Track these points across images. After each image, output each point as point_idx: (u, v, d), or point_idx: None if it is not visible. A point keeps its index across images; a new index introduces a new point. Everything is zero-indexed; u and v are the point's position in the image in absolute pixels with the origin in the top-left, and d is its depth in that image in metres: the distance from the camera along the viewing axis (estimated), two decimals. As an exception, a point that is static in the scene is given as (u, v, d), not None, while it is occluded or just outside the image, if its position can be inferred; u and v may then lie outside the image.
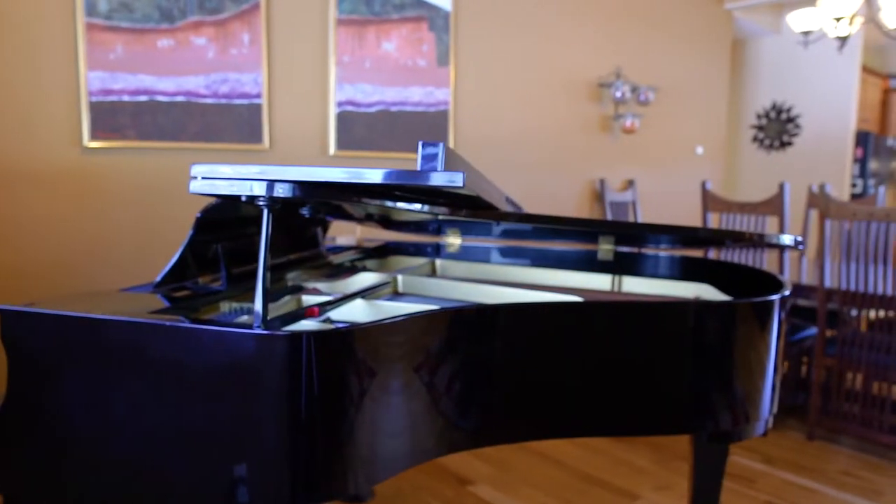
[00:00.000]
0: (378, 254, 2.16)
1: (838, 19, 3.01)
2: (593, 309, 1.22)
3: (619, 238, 1.80)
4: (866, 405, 2.65)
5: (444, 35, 3.17)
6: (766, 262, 3.03)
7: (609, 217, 4.07)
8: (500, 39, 3.51)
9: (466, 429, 1.13)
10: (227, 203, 1.32)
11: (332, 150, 2.86)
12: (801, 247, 1.44)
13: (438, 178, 0.82)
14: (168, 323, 0.99)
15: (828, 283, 2.71)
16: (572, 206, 4.04)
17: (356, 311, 1.40)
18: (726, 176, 5.96)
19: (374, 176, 0.85)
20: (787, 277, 2.85)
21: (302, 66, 2.76)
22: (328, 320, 1.41)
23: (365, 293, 1.48)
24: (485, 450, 2.61)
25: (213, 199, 1.33)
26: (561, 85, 3.88)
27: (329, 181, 0.88)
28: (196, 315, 1.23)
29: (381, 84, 2.97)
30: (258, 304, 1.01)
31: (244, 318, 1.28)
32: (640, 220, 4.34)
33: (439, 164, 0.89)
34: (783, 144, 5.68)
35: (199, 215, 1.30)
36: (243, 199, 0.95)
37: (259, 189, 0.98)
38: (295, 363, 0.99)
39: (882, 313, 2.58)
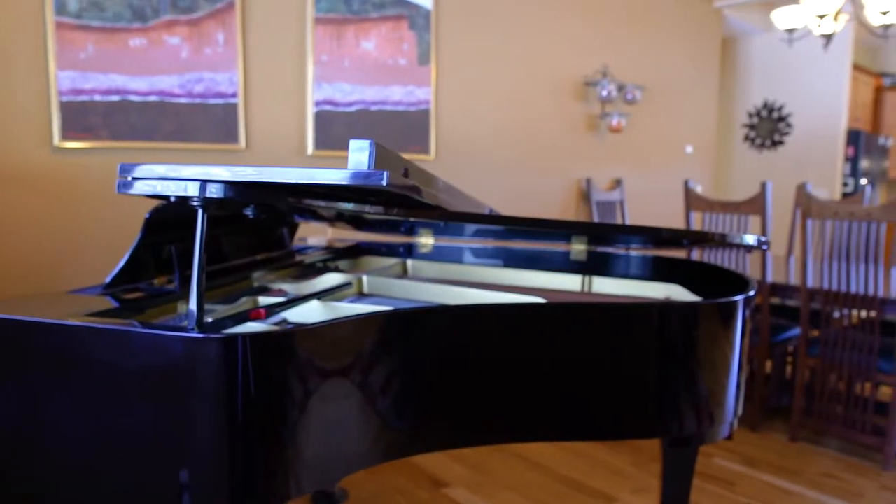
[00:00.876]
0: (350, 254, 2.14)
1: (822, 16, 2.99)
2: (542, 310, 1.19)
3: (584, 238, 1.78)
4: (849, 406, 2.62)
5: (425, 34, 3.14)
6: (749, 262, 3.00)
7: (595, 217, 4.05)
8: (483, 38, 3.49)
9: (412, 432, 1.11)
10: (178, 203, 1.30)
11: (310, 149, 2.84)
12: (764, 247, 1.41)
13: (363, 178, 0.80)
14: (97, 325, 0.96)
15: (810, 283, 2.68)
16: (558, 205, 4.01)
17: (312, 313, 1.38)
18: (717, 175, 5.94)
19: (294, 175, 0.83)
20: (769, 277, 2.83)
21: (279, 66, 2.74)
22: (284, 321, 1.39)
23: (321, 294, 1.46)
24: (462, 451, 2.59)
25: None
26: (546, 83, 3.86)
27: (252, 181, 0.86)
28: (142, 317, 1.21)
29: (361, 83, 2.95)
30: (192, 306, 0.98)
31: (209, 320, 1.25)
32: (628, 219, 4.32)
33: (369, 162, 0.86)
34: (774, 143, 5.65)
35: (147, 216, 1.28)
36: (173, 199, 0.93)
37: (193, 189, 0.96)
38: (230, 366, 0.96)
39: (864, 313, 2.55)
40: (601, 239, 1.78)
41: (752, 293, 1.42)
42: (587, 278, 1.83)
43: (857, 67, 5.56)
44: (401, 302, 1.59)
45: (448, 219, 1.18)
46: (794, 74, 5.52)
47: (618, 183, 4.32)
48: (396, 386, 1.08)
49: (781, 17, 3.22)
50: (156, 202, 1.32)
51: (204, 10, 2.50)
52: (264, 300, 1.43)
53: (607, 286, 1.82)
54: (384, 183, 0.78)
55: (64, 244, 2.31)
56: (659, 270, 1.87)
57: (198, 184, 0.94)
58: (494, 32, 3.54)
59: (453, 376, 1.12)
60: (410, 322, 1.08)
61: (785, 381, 3.17)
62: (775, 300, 3.22)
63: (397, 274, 2.01)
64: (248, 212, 1.11)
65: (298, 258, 1.96)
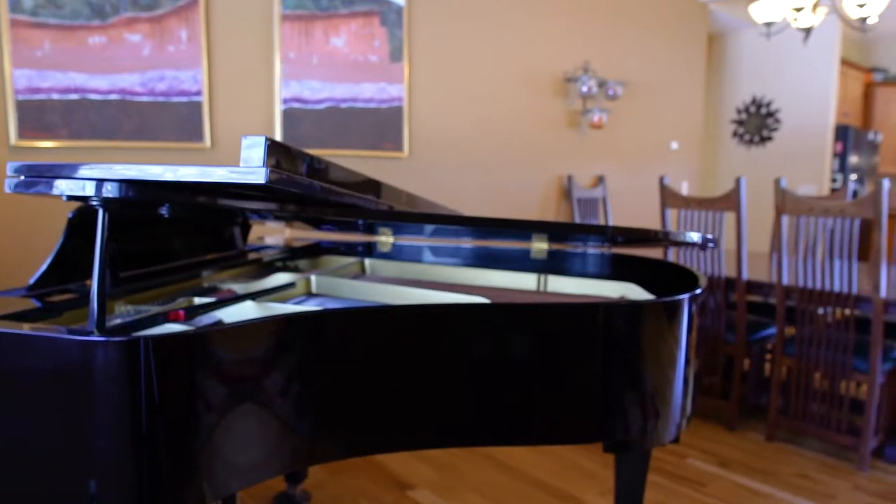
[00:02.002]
0: (309, 253, 2.11)
1: (798, 10, 2.94)
2: (467, 311, 1.16)
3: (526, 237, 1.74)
4: (824, 405, 2.58)
5: (398, 30, 3.10)
6: (725, 259, 2.96)
7: (577, 214, 4.01)
8: (459, 33, 3.45)
9: (326, 436, 1.07)
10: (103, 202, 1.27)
11: (278, 148, 2.81)
12: (710, 245, 1.37)
13: (240, 175, 0.77)
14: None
15: (786, 279, 2.64)
16: (538, 203, 3.97)
17: (246, 314, 1.34)
18: (706, 171, 5.89)
19: (171, 173, 0.80)
20: (745, 275, 2.78)
21: (245, 63, 2.71)
22: (220, 323, 1.36)
23: (259, 295, 1.42)
24: (431, 453, 2.56)
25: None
26: (525, 79, 3.81)
27: (138, 179, 0.82)
28: (60, 320, 1.18)
29: (330, 80, 2.91)
30: (93, 308, 0.95)
31: (117, 322, 1.22)
32: (610, 216, 4.28)
33: (263, 158, 0.83)
34: (763, 139, 5.60)
35: (70, 215, 1.24)
36: (64, 199, 0.90)
37: (90, 189, 0.92)
38: (132, 370, 0.93)
39: (839, 310, 2.51)
40: (556, 237, 1.74)
41: (698, 291, 1.39)
42: (542, 277, 1.79)
43: (846, 62, 5.50)
44: (348, 302, 1.56)
45: (371, 217, 1.15)
46: (782, 70, 5.46)
47: (600, 180, 4.28)
48: (305, 389, 1.04)
49: (759, 11, 3.17)
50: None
51: (166, 8, 2.46)
52: (200, 300, 1.39)
53: (563, 285, 1.79)
54: (263, 180, 0.75)
55: (22, 244, 2.28)
56: (617, 269, 1.84)
57: (93, 183, 0.91)
58: (470, 28, 3.50)
59: (375, 379, 1.09)
60: (320, 323, 1.04)
61: (763, 379, 3.13)
62: (757, 298, 3.18)
63: (354, 273, 1.98)
64: (163, 211, 1.08)
65: (255, 257, 1.93)
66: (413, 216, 1.22)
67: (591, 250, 1.92)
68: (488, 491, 2.27)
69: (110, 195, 0.91)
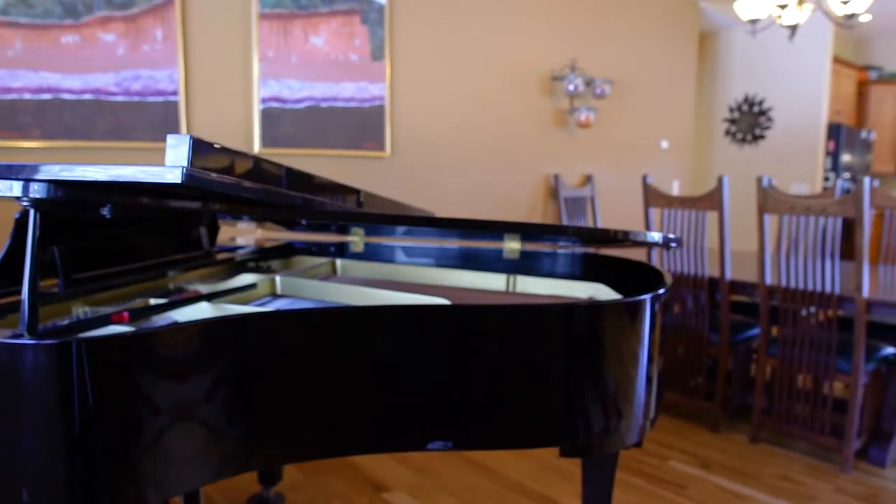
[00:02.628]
0: (280, 254, 2.09)
1: (783, 6, 2.91)
2: (421, 312, 1.13)
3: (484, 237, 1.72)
4: (808, 406, 2.55)
5: (379, 29, 3.08)
6: (707, 259, 2.93)
7: (564, 213, 3.98)
8: (442, 31, 3.42)
9: (271, 440, 1.05)
10: (54, 203, 1.25)
11: (256, 147, 2.79)
12: (673, 244, 1.35)
13: (155, 175, 0.75)
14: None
15: (768, 279, 2.61)
16: (524, 203, 3.94)
17: (201, 316, 1.32)
18: (698, 170, 5.86)
19: (86, 173, 0.77)
20: (728, 274, 2.76)
21: (222, 62, 2.69)
22: (175, 324, 1.34)
23: (215, 296, 1.40)
24: (409, 455, 2.54)
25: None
26: (510, 78, 3.79)
27: (64, 179, 0.80)
28: (2, 322, 1.16)
29: (310, 80, 2.89)
30: (24, 310, 0.93)
31: (65, 323, 1.20)
32: (599, 215, 4.25)
33: (188, 157, 0.81)
34: (755, 138, 5.57)
35: (17, 216, 1.22)
36: (-11, 197, 0.88)
37: (17, 189, 0.90)
38: (63, 373, 0.91)
39: (822, 311, 2.48)
40: (522, 238, 1.72)
41: (661, 291, 1.36)
42: (511, 278, 1.77)
43: (838, 60, 5.47)
44: (312, 303, 1.54)
45: (319, 218, 1.12)
46: (775, 68, 5.43)
47: (588, 179, 4.25)
48: (247, 390, 1.02)
49: (744, 8, 3.14)
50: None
51: (140, 7, 2.44)
52: (155, 301, 1.37)
53: (532, 286, 1.77)
54: (180, 179, 0.73)
55: (-6, 246, 2.27)
56: (587, 270, 1.82)
57: (20, 183, 0.89)
58: (454, 25, 3.47)
59: (324, 381, 1.07)
60: (262, 325, 1.02)
61: (748, 380, 3.10)
62: (743, 298, 3.16)
63: (324, 274, 1.96)
64: (105, 212, 1.06)
65: (225, 257, 1.91)
66: (367, 217, 1.20)
67: (562, 251, 1.90)
68: (465, 493, 2.25)
69: (38, 195, 0.89)
